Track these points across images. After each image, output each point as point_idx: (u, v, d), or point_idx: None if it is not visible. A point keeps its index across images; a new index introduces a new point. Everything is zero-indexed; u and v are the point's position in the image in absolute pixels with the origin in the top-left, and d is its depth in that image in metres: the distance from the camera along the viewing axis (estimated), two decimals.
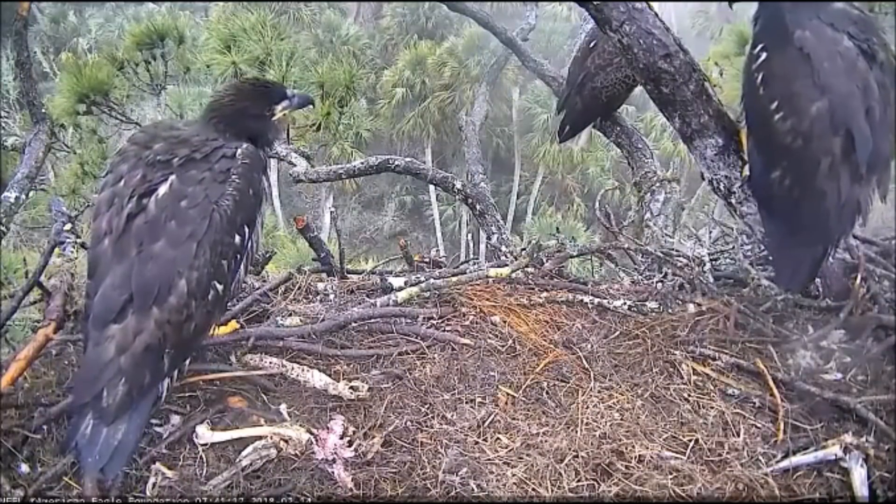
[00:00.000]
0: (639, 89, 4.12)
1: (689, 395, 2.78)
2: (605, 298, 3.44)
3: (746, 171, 3.23)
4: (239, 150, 2.53)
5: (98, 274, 2.33)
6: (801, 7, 2.98)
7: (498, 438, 2.54)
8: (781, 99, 2.94)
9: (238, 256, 2.51)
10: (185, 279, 2.30)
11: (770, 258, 3.28)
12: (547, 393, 2.80)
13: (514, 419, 2.64)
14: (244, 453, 2.33)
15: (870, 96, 2.82)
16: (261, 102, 2.79)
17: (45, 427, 2.43)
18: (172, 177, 2.41)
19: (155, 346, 2.26)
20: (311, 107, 3.25)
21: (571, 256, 4.13)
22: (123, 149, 2.59)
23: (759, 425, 2.63)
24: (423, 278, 3.51)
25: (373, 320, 3.11)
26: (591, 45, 5.16)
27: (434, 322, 3.19)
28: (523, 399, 2.76)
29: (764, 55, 3.02)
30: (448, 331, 3.13)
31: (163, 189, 2.39)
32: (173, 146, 2.49)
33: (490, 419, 2.62)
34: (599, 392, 2.80)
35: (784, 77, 2.95)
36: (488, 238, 5.97)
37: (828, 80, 2.84)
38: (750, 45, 3.12)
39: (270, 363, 2.77)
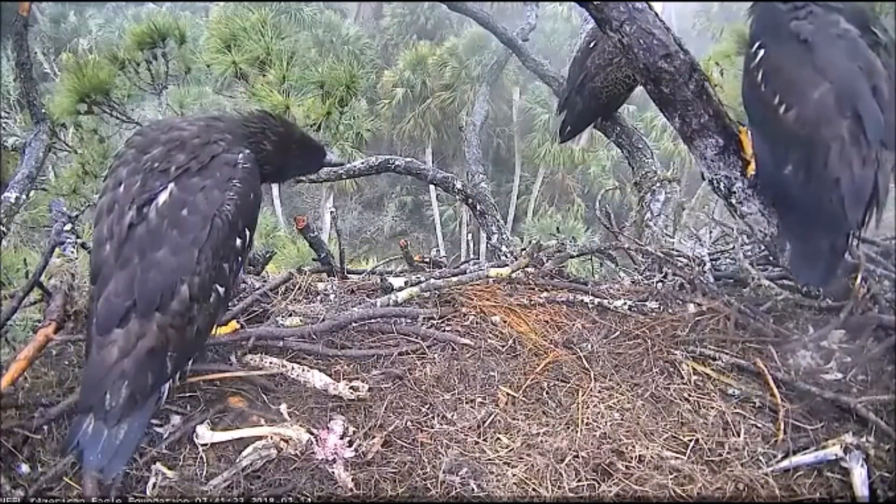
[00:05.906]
0: (639, 89, 4.12)
1: (690, 395, 2.78)
2: (605, 298, 3.44)
3: (751, 171, 3.19)
4: (241, 156, 2.52)
5: (101, 279, 2.33)
6: None
7: (498, 438, 2.54)
8: (784, 90, 2.87)
9: (239, 258, 2.52)
10: (187, 284, 2.30)
11: (790, 257, 3.17)
12: (547, 393, 2.80)
13: (514, 419, 2.64)
14: (244, 453, 2.33)
15: (875, 75, 2.74)
16: (308, 164, 2.94)
17: (45, 427, 2.43)
18: (171, 185, 2.38)
19: (158, 349, 2.26)
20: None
21: (571, 256, 4.13)
22: (121, 152, 2.57)
23: (759, 425, 2.63)
24: (423, 278, 3.51)
25: (373, 320, 3.11)
26: (592, 45, 5.17)
27: (434, 322, 3.19)
28: (523, 399, 2.76)
29: (762, 51, 2.99)
30: (448, 331, 3.13)
31: (162, 197, 2.37)
32: (170, 152, 2.46)
33: (490, 419, 2.62)
34: (600, 392, 2.80)
35: (784, 68, 2.90)
36: (488, 238, 5.98)
37: (828, 62, 2.77)
38: (748, 45, 3.10)
39: (270, 363, 2.77)
